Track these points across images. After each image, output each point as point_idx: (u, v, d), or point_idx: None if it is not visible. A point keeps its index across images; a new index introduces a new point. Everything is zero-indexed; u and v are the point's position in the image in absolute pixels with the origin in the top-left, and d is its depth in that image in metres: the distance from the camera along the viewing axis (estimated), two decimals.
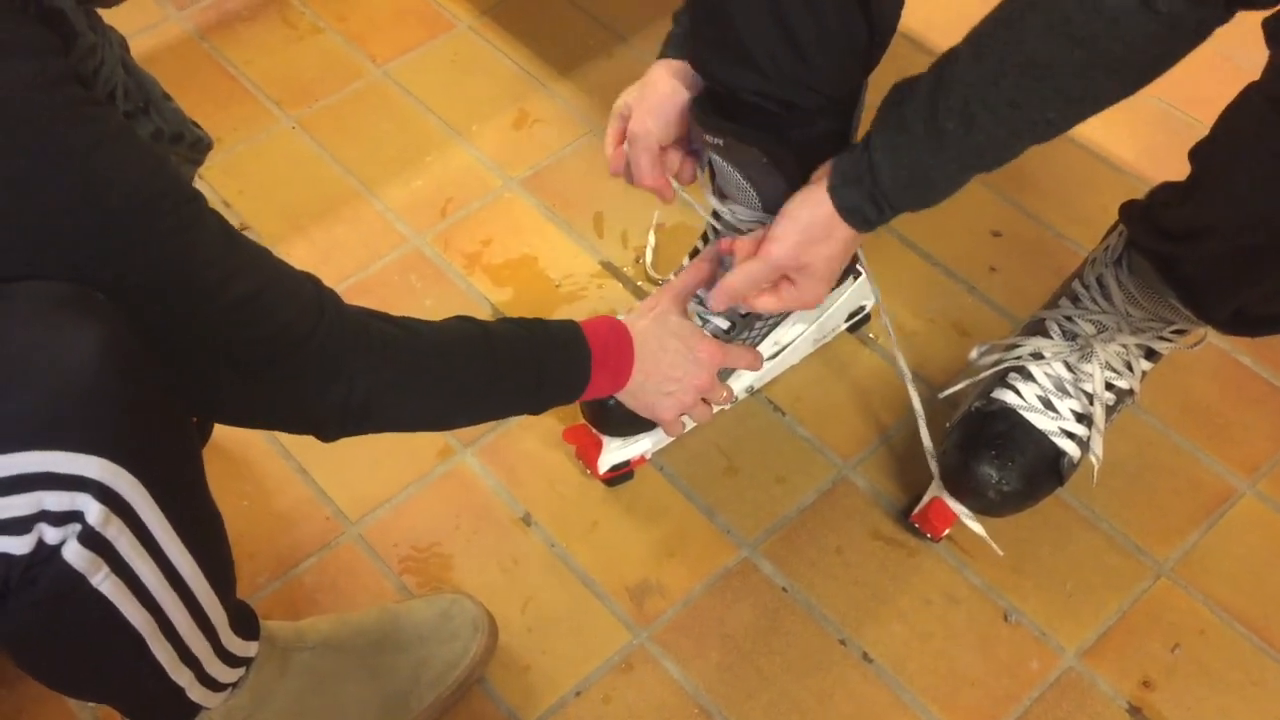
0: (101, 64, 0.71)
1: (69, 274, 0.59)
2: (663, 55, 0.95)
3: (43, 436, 0.57)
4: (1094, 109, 0.74)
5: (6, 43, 0.56)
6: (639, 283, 1.27)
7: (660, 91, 0.94)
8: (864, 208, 0.82)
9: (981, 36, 0.74)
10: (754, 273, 0.89)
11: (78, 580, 0.61)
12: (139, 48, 1.41)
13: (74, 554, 0.60)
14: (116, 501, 0.60)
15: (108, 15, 0.75)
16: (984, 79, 0.73)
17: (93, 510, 0.59)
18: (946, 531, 1.07)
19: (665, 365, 0.94)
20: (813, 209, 0.84)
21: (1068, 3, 0.69)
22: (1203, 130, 0.89)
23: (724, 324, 1.06)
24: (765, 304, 0.92)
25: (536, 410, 0.88)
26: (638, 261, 1.29)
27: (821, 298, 0.91)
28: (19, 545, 0.58)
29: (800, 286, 0.89)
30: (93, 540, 0.60)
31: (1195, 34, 0.69)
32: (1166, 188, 0.96)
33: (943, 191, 0.81)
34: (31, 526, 0.58)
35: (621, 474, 1.11)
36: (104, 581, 0.62)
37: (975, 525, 1.02)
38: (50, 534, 0.59)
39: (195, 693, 0.76)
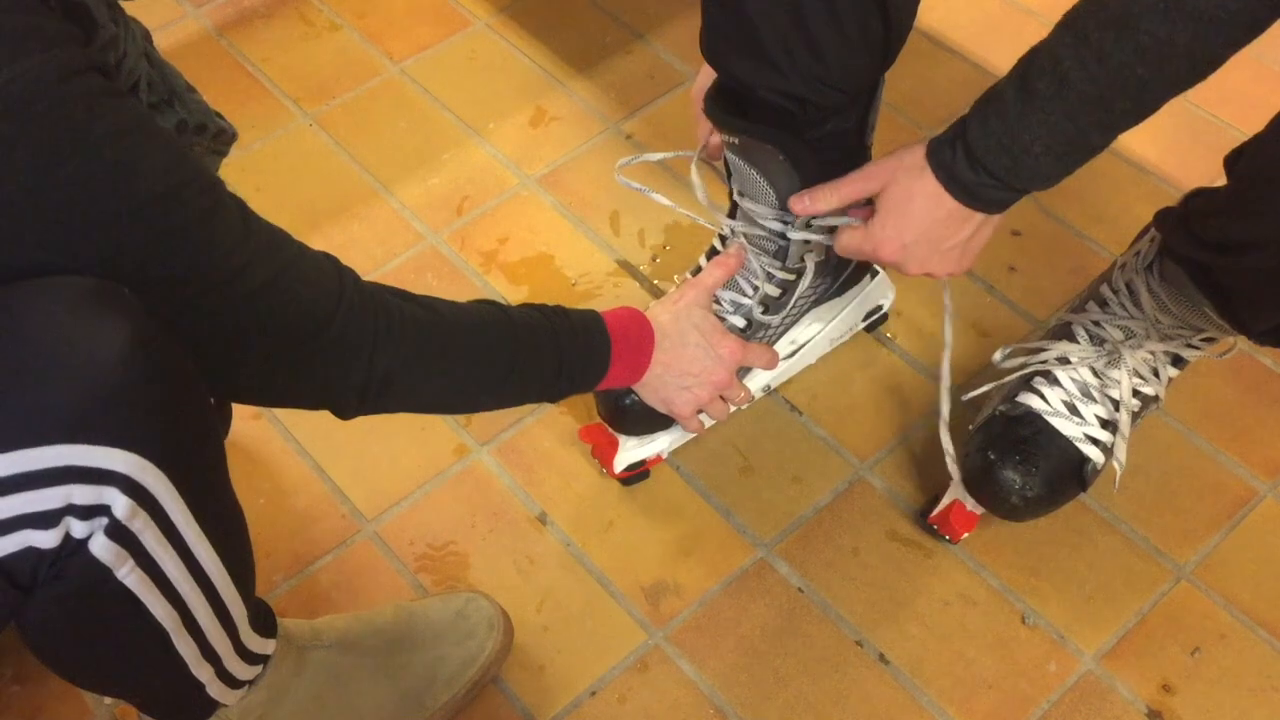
0: (124, 56, 0.71)
1: (90, 265, 0.59)
2: None
3: (70, 430, 0.57)
4: (1189, 68, 0.71)
5: (28, 34, 0.56)
6: (655, 281, 1.26)
7: None
8: (957, 166, 0.79)
9: (1073, 9, 0.73)
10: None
11: (104, 574, 0.61)
12: (157, 44, 1.41)
13: (101, 547, 0.60)
14: (143, 495, 0.60)
15: (130, 7, 0.75)
16: (1075, 38, 0.72)
17: (120, 504, 0.59)
18: (965, 534, 1.06)
19: (685, 359, 0.93)
20: (920, 195, 0.83)
21: None
22: (1228, 129, 0.88)
23: (740, 322, 1.06)
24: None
25: (555, 397, 0.87)
26: (654, 260, 1.28)
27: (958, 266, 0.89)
28: (47, 539, 0.58)
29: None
30: (119, 534, 0.60)
31: None
32: (1203, 194, 0.94)
33: (1041, 162, 0.77)
34: (59, 520, 0.58)
35: (637, 473, 1.11)
36: (129, 575, 0.62)
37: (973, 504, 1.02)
38: (78, 527, 0.59)
39: (214, 689, 0.76)
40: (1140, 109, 0.74)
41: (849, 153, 0.97)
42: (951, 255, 0.87)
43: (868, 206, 0.90)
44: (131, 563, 0.61)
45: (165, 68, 0.79)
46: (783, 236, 1.00)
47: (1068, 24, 0.73)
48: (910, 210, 0.84)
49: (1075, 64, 0.72)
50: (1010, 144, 0.77)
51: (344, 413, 0.76)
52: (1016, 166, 0.78)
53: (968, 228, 0.84)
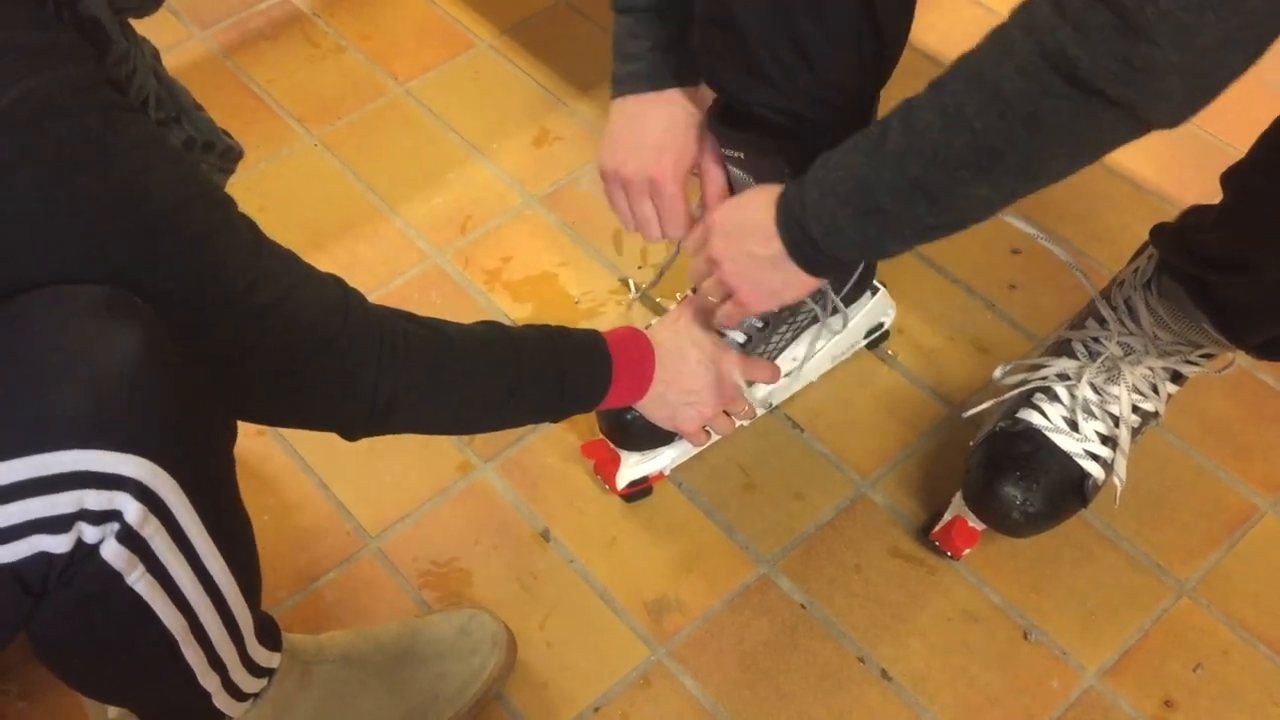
0: (134, 72, 0.72)
1: (102, 277, 0.60)
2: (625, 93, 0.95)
3: (83, 435, 0.58)
4: (970, 150, 0.68)
5: (42, 49, 0.57)
6: (658, 300, 1.27)
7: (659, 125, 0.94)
8: (789, 185, 0.79)
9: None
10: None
11: (115, 579, 0.61)
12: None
13: (112, 553, 0.60)
14: (154, 501, 0.60)
15: (139, 26, 0.76)
16: (908, 104, 0.71)
17: (131, 509, 0.59)
18: (967, 550, 1.07)
19: (686, 376, 0.94)
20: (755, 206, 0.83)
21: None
22: (1227, 149, 0.90)
23: (740, 338, 1.07)
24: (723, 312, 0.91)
25: (557, 417, 0.88)
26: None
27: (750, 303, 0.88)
28: (59, 544, 0.58)
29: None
30: (130, 539, 0.60)
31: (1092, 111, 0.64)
32: (1198, 211, 0.95)
33: (838, 213, 0.76)
34: (71, 525, 0.58)
35: (640, 489, 1.11)
36: (139, 581, 0.62)
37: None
38: (89, 533, 0.59)
39: (220, 700, 0.76)
40: (931, 195, 0.71)
41: None
42: (751, 267, 0.85)
43: None
44: (142, 568, 0.62)
45: (173, 85, 0.80)
46: None
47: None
48: (742, 200, 0.85)
49: (897, 120, 0.71)
50: (823, 176, 0.76)
51: (350, 433, 0.76)
52: (820, 202, 0.77)
53: (770, 248, 0.81)
